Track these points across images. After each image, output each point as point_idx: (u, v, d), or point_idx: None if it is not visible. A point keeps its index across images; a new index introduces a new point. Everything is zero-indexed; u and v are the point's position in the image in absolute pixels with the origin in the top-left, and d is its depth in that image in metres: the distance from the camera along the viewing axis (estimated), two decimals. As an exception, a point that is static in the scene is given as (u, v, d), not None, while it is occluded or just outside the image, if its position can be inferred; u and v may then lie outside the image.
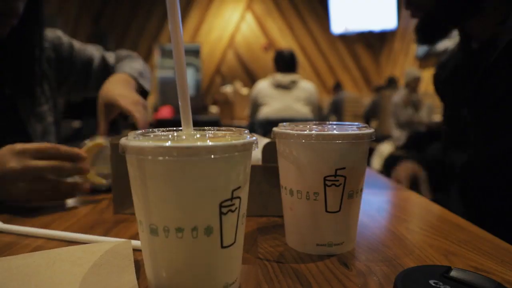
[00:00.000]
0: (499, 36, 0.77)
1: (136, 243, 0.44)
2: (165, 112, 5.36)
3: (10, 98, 0.82)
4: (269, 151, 0.58)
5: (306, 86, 2.87)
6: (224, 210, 0.31)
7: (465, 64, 0.89)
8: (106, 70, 1.01)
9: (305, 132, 0.42)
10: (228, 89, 4.28)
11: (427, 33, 0.88)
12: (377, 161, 3.93)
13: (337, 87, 6.32)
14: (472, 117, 0.85)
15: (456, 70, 0.92)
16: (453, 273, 0.33)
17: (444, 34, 0.89)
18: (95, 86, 1.00)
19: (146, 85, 0.95)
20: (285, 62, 2.88)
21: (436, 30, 0.87)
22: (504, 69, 0.76)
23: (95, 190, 0.75)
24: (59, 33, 0.98)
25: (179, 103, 0.35)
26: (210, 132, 0.36)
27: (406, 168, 1.08)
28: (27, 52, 0.84)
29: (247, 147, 0.32)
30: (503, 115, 0.77)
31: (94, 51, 1.04)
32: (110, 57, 1.05)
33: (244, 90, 4.38)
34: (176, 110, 6.21)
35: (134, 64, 0.99)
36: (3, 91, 0.81)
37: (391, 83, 5.22)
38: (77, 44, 1.01)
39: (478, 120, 0.83)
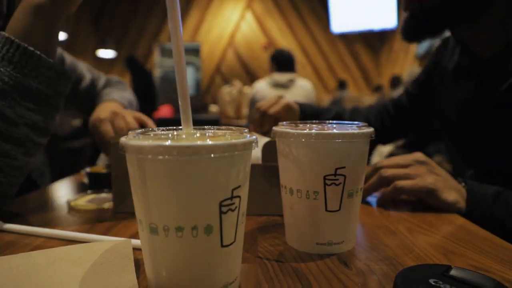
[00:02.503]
0: (510, 60, 0.73)
1: (136, 242, 0.44)
2: (165, 111, 5.36)
3: None
4: (269, 150, 0.58)
5: (303, 84, 2.87)
6: (224, 209, 0.31)
7: (472, 84, 0.82)
8: (94, 93, 1.02)
9: (305, 131, 0.42)
10: (227, 89, 4.27)
11: (419, 29, 0.83)
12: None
13: (341, 85, 6.31)
14: (482, 136, 0.81)
15: (464, 87, 0.85)
16: (453, 272, 0.33)
17: (437, 32, 0.84)
18: (79, 105, 1.02)
19: None
20: (283, 62, 2.89)
21: (430, 26, 0.82)
22: None
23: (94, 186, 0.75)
24: None
25: (179, 102, 0.35)
26: (210, 131, 0.36)
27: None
28: None
29: (247, 146, 0.32)
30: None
31: (85, 71, 1.03)
32: (100, 80, 1.05)
33: (245, 89, 4.38)
34: (176, 110, 6.21)
35: (124, 93, 1.00)
36: None
37: (396, 82, 5.14)
38: (69, 59, 0.99)
39: (489, 139, 0.80)
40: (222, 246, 0.32)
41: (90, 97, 1.01)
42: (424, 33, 0.84)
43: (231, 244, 0.33)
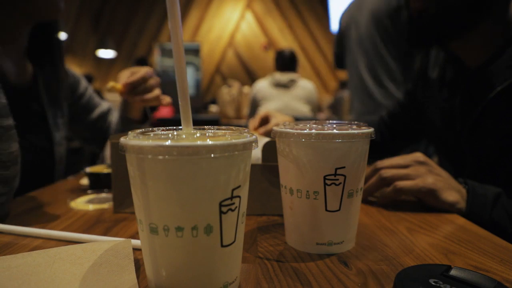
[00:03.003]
0: (494, 70, 0.74)
1: (136, 242, 0.44)
2: (165, 111, 5.36)
3: (42, 105, 0.89)
4: (269, 150, 0.58)
5: (305, 85, 2.87)
6: (224, 209, 0.31)
7: (459, 93, 0.82)
8: (107, 119, 1.11)
9: (305, 131, 0.42)
10: (226, 89, 4.28)
11: (420, 37, 0.82)
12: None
13: (341, 85, 6.33)
14: (468, 148, 0.82)
15: (449, 96, 0.86)
16: (453, 272, 0.33)
17: (435, 41, 0.84)
18: (88, 127, 1.10)
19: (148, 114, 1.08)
20: (285, 61, 2.89)
21: (430, 34, 0.81)
22: (501, 109, 0.73)
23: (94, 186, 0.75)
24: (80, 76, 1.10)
25: (179, 102, 0.35)
26: (210, 131, 0.36)
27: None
28: (56, 65, 0.93)
29: (247, 146, 0.32)
30: (500, 151, 0.75)
31: (103, 101, 1.13)
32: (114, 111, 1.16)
33: (245, 89, 4.39)
34: (176, 110, 6.20)
35: None
36: (39, 102, 0.89)
37: None
38: (89, 91, 1.10)
39: (475, 152, 0.80)
40: (222, 246, 0.32)
41: (102, 122, 1.10)
42: (428, 42, 0.84)
43: (231, 244, 0.33)
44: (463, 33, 0.78)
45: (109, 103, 1.15)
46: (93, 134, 1.10)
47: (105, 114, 1.11)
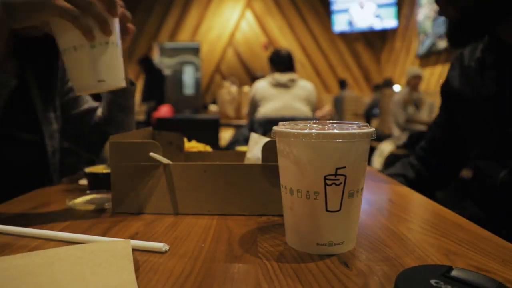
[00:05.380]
0: None
1: (134, 242, 0.44)
2: (165, 111, 5.36)
3: (31, 100, 0.86)
4: (269, 150, 0.58)
5: (305, 85, 2.86)
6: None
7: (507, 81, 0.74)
8: (93, 113, 1.02)
9: (305, 131, 0.42)
10: (225, 89, 4.28)
11: (461, 35, 0.76)
12: (377, 160, 3.94)
13: (342, 85, 6.34)
14: None
15: (500, 85, 0.77)
16: (454, 273, 0.33)
17: (478, 36, 0.79)
18: (74, 123, 1.01)
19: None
20: (283, 62, 2.87)
21: (470, 31, 0.75)
22: None
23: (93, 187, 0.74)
24: None
25: None
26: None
27: None
28: (49, 61, 0.88)
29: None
30: None
31: (91, 100, 1.04)
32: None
33: (245, 88, 4.38)
34: (176, 110, 6.20)
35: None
36: (28, 94, 0.85)
37: (387, 84, 5.40)
38: None
39: None
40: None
41: (89, 118, 1.01)
42: (469, 38, 0.80)
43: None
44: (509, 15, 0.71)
45: (99, 103, 1.06)
46: (79, 131, 1.03)
47: (93, 110, 1.03)
